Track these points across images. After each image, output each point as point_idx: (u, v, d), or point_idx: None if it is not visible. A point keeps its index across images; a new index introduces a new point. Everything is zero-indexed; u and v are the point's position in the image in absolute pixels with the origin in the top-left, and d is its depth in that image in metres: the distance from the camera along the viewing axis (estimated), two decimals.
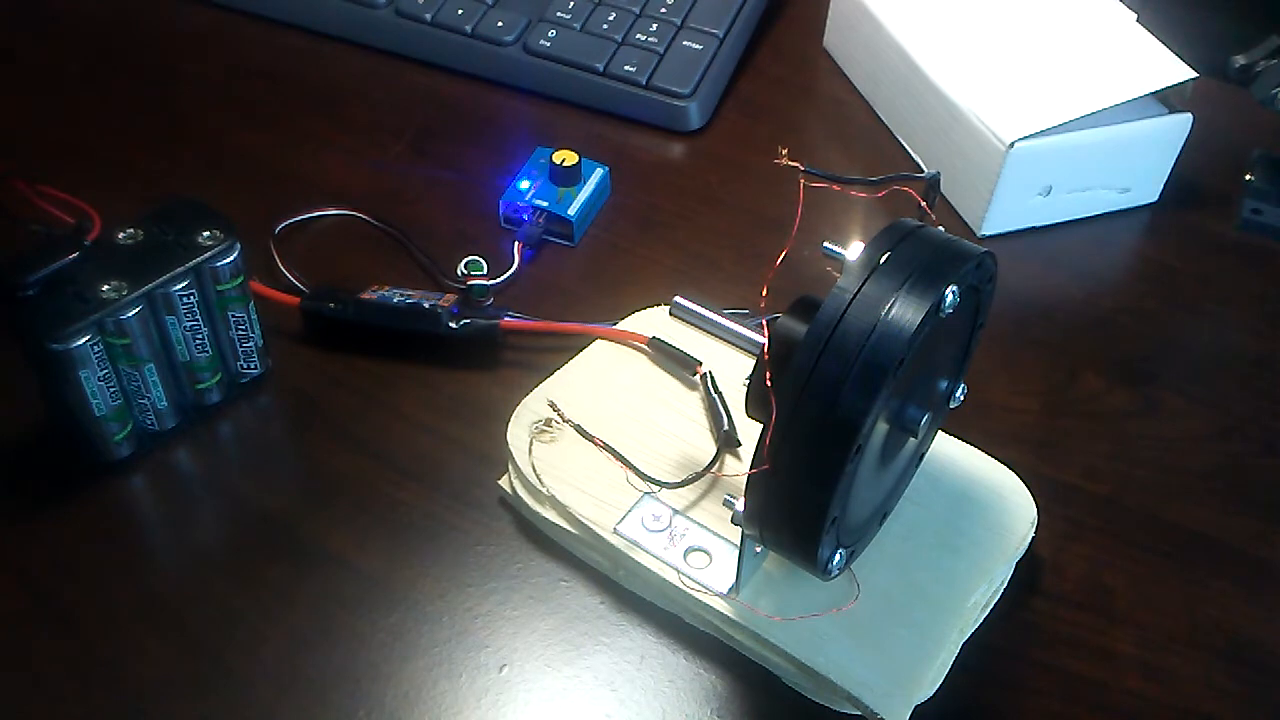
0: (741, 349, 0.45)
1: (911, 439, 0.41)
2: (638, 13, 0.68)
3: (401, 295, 0.53)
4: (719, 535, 0.45)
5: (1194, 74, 0.59)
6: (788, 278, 0.41)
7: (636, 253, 0.59)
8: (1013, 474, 0.48)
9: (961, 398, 0.45)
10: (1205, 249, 0.62)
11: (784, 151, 0.39)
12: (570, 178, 0.59)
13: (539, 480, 0.46)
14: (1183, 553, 0.49)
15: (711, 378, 0.50)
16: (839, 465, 0.36)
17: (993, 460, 0.48)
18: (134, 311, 0.45)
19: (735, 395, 0.49)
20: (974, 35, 0.63)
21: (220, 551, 0.47)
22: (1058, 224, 0.62)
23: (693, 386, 0.51)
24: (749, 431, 0.48)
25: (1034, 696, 0.44)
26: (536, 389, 0.50)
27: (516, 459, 0.47)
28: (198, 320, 0.47)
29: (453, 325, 0.52)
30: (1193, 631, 0.46)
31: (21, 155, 0.62)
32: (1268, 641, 0.46)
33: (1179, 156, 0.62)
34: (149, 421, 0.49)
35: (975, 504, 0.47)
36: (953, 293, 0.36)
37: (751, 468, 0.38)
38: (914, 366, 0.38)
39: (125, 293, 0.45)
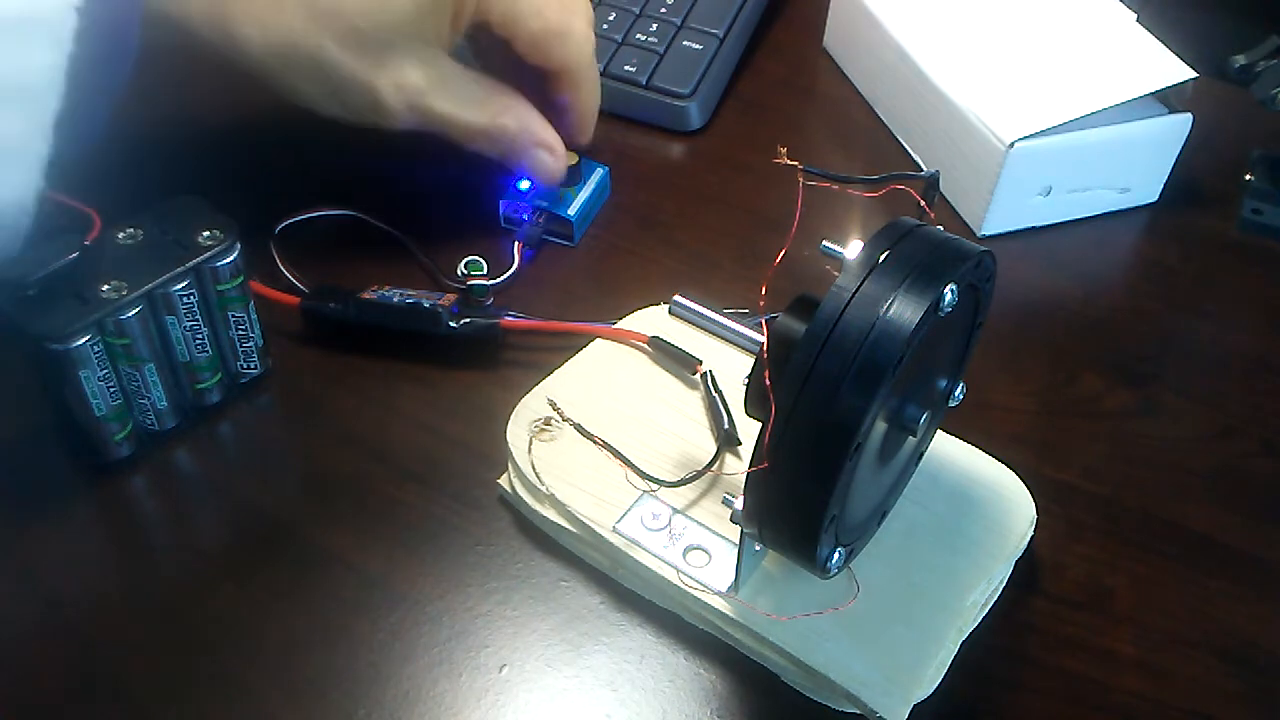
0: (741, 348, 0.45)
1: (910, 438, 0.41)
2: (638, 13, 0.68)
3: (401, 295, 0.53)
4: (718, 534, 0.45)
5: (1194, 74, 0.59)
6: (787, 277, 0.41)
7: (636, 253, 0.59)
8: (1012, 473, 0.48)
9: (961, 397, 0.44)
10: (1205, 249, 0.62)
11: (783, 150, 0.39)
12: (570, 178, 0.59)
13: (539, 479, 0.46)
14: (1183, 553, 0.49)
15: (711, 377, 0.50)
16: (838, 464, 0.36)
17: (992, 460, 0.48)
18: (134, 311, 0.45)
19: (735, 394, 0.49)
20: (974, 35, 0.63)
21: (220, 551, 0.47)
22: (1058, 224, 0.62)
23: (693, 385, 0.51)
24: (749, 430, 0.48)
25: (1034, 696, 0.44)
26: (536, 388, 0.50)
27: (516, 458, 0.47)
28: (198, 320, 0.48)
29: (453, 325, 0.52)
30: (1193, 631, 0.46)
31: None
32: (1268, 641, 0.46)
33: (1179, 156, 0.62)
34: (149, 421, 0.49)
35: (974, 503, 0.47)
36: (951, 291, 0.36)
37: (750, 466, 0.38)
38: (913, 365, 0.38)
39: (125, 293, 0.45)
